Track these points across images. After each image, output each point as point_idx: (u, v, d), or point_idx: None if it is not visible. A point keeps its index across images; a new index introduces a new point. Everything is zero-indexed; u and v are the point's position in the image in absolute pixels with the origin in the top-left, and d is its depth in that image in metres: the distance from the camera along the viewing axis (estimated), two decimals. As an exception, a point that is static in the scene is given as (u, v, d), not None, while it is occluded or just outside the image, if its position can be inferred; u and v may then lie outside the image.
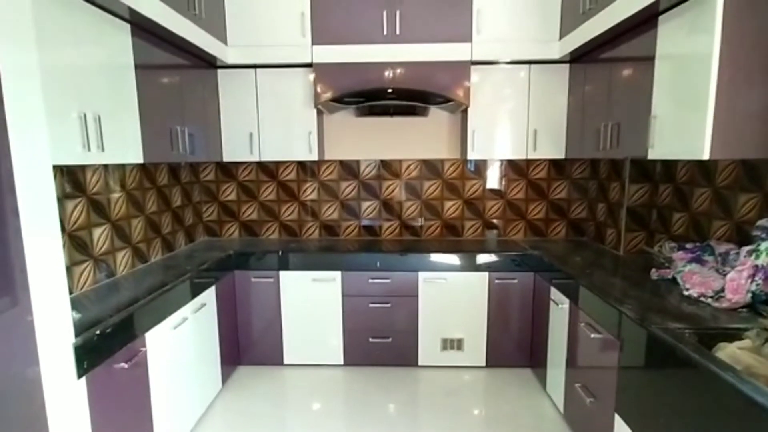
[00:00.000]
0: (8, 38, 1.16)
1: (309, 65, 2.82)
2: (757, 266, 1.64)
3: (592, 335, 1.92)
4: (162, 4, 2.00)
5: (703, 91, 1.61)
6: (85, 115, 1.63)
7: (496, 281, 2.82)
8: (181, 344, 2.11)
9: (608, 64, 2.34)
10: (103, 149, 1.72)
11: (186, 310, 2.16)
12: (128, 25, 1.91)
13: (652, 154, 1.93)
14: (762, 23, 1.54)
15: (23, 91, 1.21)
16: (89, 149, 1.65)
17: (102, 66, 1.78)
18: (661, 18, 1.86)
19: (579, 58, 2.69)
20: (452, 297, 2.84)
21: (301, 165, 3.29)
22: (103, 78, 1.78)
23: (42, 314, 1.27)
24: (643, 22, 1.97)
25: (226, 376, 2.71)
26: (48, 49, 1.50)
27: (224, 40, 2.72)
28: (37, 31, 1.26)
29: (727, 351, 1.40)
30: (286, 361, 2.95)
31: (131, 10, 1.80)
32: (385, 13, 2.71)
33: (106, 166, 2.20)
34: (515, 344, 2.89)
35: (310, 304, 2.88)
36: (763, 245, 1.66)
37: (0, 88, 1.14)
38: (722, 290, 1.71)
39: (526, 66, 2.82)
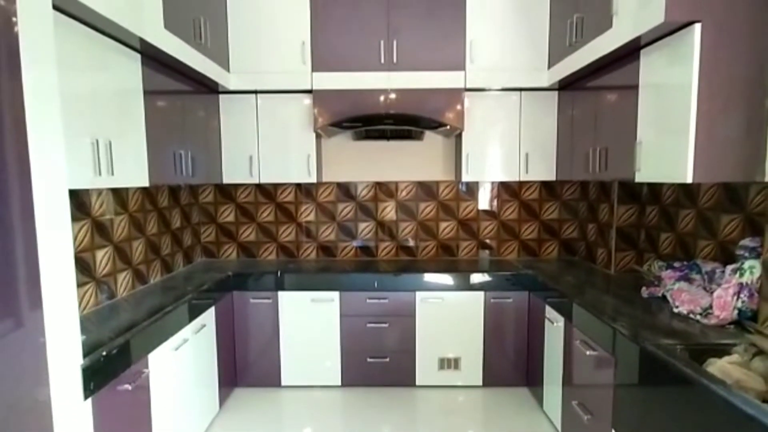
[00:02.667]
0: (34, 64, 1.21)
1: (309, 91, 2.91)
2: (741, 284, 1.72)
3: (588, 352, 1.97)
4: (171, 35, 2.09)
5: (684, 118, 1.72)
6: (97, 141, 1.69)
7: (492, 300, 2.87)
8: (181, 366, 2.12)
9: (595, 92, 2.47)
10: (112, 173, 1.77)
11: (187, 332, 2.17)
12: (139, 55, 1.99)
13: (639, 177, 2.03)
14: (736, 55, 1.67)
15: (45, 116, 1.26)
16: (100, 174, 1.70)
17: (113, 93, 1.84)
18: (643, 51, 1.99)
19: (567, 86, 2.82)
20: (449, 316, 2.88)
21: (300, 187, 3.35)
22: (115, 105, 1.85)
23: (53, 335, 1.29)
24: (627, 55, 2.10)
25: (223, 399, 2.69)
26: (64, 77, 1.55)
27: (227, 67, 2.82)
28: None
29: (717, 366, 1.46)
30: (283, 383, 2.94)
31: (142, 41, 1.88)
32: (382, 43, 2.83)
33: (110, 189, 2.24)
34: (512, 363, 2.93)
35: (308, 324, 2.90)
36: (747, 264, 1.75)
37: (23, 114, 1.19)
38: (710, 307, 1.78)
39: (517, 93, 2.95)
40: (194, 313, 2.28)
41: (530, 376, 2.87)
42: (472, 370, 2.93)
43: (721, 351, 1.54)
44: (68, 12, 1.56)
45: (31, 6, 1.21)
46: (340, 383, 2.94)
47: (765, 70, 1.66)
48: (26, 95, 1.20)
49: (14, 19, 1.16)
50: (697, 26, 1.66)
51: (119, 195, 2.32)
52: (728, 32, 1.66)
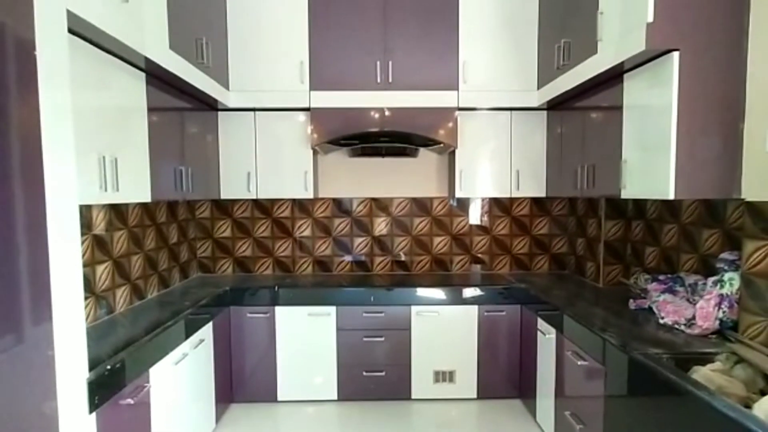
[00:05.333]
0: (50, 85, 1.26)
1: (306, 109, 2.99)
2: (722, 295, 1.81)
3: (579, 362, 2.04)
4: (176, 55, 2.16)
5: (665, 138, 1.82)
6: (104, 158, 1.73)
7: (485, 314, 2.93)
8: (180, 381, 2.13)
9: (582, 112, 2.59)
10: (118, 189, 1.81)
11: (186, 346, 2.19)
12: (143, 74, 2.05)
13: (625, 194, 2.13)
14: (713, 81, 1.78)
15: (58, 134, 1.30)
16: (106, 189, 1.74)
17: (119, 111, 1.90)
18: (626, 75, 2.11)
19: (555, 106, 2.94)
20: (444, 329, 2.93)
21: (296, 202, 3.40)
22: (120, 122, 1.90)
23: (61, 349, 1.32)
24: (611, 78, 2.22)
25: (219, 415, 2.69)
26: (74, 95, 1.59)
27: (226, 85, 2.89)
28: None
29: (701, 373, 1.53)
30: (279, 398, 2.94)
31: (148, 61, 1.94)
32: (378, 63, 2.94)
33: (111, 204, 2.27)
34: (505, 375, 2.97)
35: (305, 339, 2.92)
36: (727, 276, 1.84)
37: (39, 132, 1.24)
38: (693, 318, 1.87)
39: (508, 112, 3.07)
40: (193, 327, 2.30)
41: (523, 388, 2.92)
42: (467, 383, 2.97)
43: (705, 359, 1.62)
44: (79, 33, 1.61)
45: (49, 31, 1.27)
46: (336, 398, 2.95)
47: (739, 94, 1.77)
48: (42, 114, 1.25)
49: (33, 43, 1.22)
50: (676, 54, 1.77)
51: (119, 210, 2.35)
52: (705, 60, 1.78)
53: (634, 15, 1.86)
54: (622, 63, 1.98)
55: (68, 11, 1.36)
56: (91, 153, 1.69)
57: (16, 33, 1.18)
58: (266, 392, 2.94)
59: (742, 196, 1.76)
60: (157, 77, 2.17)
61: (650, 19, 1.76)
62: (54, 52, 1.29)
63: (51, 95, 1.27)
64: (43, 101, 1.25)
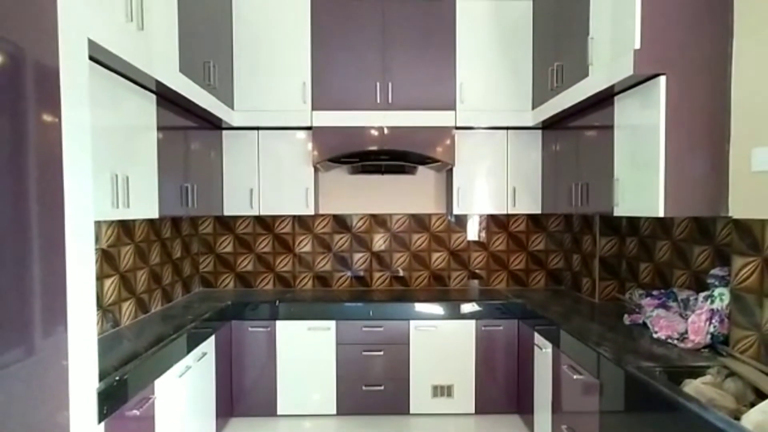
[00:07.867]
0: (71, 106, 1.33)
1: (308, 128, 3.08)
2: (713, 310, 1.87)
3: (575, 376, 2.08)
4: (185, 78, 2.25)
5: (654, 158, 1.90)
6: (116, 176, 1.80)
7: (483, 328, 2.97)
8: (184, 393, 2.16)
9: (576, 132, 2.68)
10: (128, 206, 1.87)
11: (189, 359, 2.22)
12: (154, 95, 2.14)
13: (618, 211, 2.20)
14: (698, 103, 1.86)
15: (78, 153, 1.36)
16: (117, 206, 1.81)
17: (131, 130, 1.98)
18: (616, 97, 2.20)
19: (550, 125, 3.04)
20: (442, 344, 2.97)
21: (297, 218, 3.47)
22: (131, 141, 1.98)
23: (75, 359, 1.36)
24: (602, 100, 2.31)
25: (219, 429, 2.70)
26: (90, 116, 1.68)
27: (231, 105, 2.98)
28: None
29: (692, 386, 1.58)
30: (279, 412, 2.95)
31: (158, 83, 2.03)
32: (378, 84, 3.04)
33: (120, 220, 2.33)
34: (503, 390, 3.00)
35: (305, 353, 2.95)
36: (717, 291, 1.90)
37: (61, 151, 1.31)
38: (686, 332, 1.92)
39: (504, 131, 3.16)
40: (197, 340, 2.34)
41: (521, 404, 2.94)
42: (465, 398, 2.99)
43: (697, 373, 1.66)
44: (97, 59, 1.69)
45: (71, 58, 1.35)
46: (335, 412, 2.97)
47: (725, 116, 1.85)
48: (63, 136, 1.32)
49: (57, 69, 1.30)
50: (663, 78, 1.86)
51: (126, 226, 2.41)
52: (691, 83, 1.86)
53: (623, 41, 1.97)
54: (612, 86, 2.08)
55: (89, 40, 1.45)
56: (104, 171, 1.76)
57: (43, 61, 1.26)
58: (266, 406, 2.95)
59: (730, 214, 1.83)
60: (166, 98, 2.25)
61: (637, 45, 1.86)
62: (75, 77, 1.37)
63: (72, 117, 1.34)
64: (65, 123, 1.32)
